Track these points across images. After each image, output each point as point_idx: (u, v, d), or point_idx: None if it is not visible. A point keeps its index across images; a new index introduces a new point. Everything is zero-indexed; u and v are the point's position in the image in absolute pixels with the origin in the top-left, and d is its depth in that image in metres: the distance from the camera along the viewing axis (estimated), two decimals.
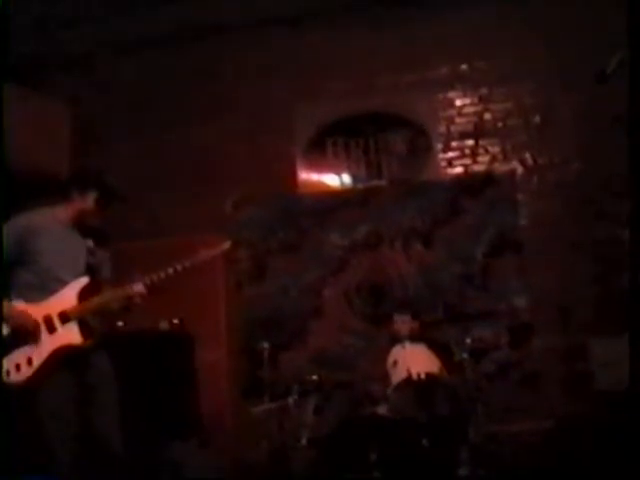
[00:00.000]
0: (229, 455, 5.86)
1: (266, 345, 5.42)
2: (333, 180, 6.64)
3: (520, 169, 6.28)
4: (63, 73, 6.90)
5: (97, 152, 6.68)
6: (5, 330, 3.77)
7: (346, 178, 6.62)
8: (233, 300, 6.54)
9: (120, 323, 5.36)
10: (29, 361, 3.72)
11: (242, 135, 6.68)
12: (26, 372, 3.71)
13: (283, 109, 6.64)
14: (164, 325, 5.97)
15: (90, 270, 3.95)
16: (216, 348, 6.37)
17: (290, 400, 5.04)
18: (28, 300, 3.82)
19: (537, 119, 6.30)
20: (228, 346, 6.49)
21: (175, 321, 5.96)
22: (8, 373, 3.71)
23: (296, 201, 6.64)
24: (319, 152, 6.65)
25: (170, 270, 3.91)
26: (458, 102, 6.49)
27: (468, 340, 4.99)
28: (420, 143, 6.50)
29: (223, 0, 6.29)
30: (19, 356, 3.73)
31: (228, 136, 6.69)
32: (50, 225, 3.92)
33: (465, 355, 4.93)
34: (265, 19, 6.48)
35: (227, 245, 4.15)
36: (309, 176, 6.66)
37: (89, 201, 3.98)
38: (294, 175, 6.66)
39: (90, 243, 4.00)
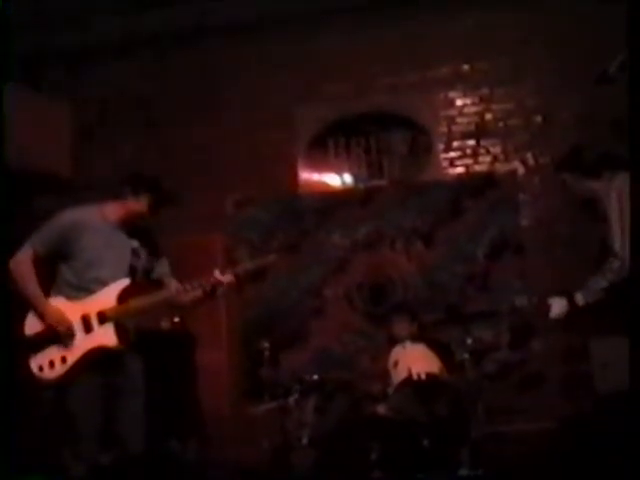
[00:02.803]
0: (229, 455, 5.86)
1: (267, 345, 5.43)
2: (334, 180, 6.63)
3: (521, 169, 6.27)
4: (64, 72, 6.89)
5: (97, 151, 6.68)
6: (39, 326, 3.79)
7: (347, 178, 6.61)
8: (234, 299, 6.53)
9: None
10: (63, 359, 3.75)
11: (243, 135, 6.67)
12: (60, 370, 3.75)
13: (284, 109, 6.63)
14: (165, 324, 5.98)
15: (133, 271, 3.96)
16: (217, 347, 6.38)
17: (291, 400, 5.05)
18: (68, 297, 3.84)
19: (538, 119, 6.30)
20: (229, 345, 6.50)
21: (176, 320, 5.97)
22: (42, 369, 3.76)
23: (297, 201, 6.63)
24: (320, 152, 6.64)
25: (216, 280, 3.95)
26: (459, 102, 6.49)
27: (469, 340, 4.99)
28: (421, 143, 6.50)
29: (224, 0, 6.30)
30: (53, 353, 3.76)
31: (229, 136, 6.69)
32: (97, 223, 3.93)
33: (466, 355, 4.93)
34: (266, 19, 6.48)
35: (273, 258, 4.18)
36: (310, 176, 6.66)
37: (142, 203, 3.99)
38: (295, 175, 6.65)
39: (135, 243, 4.01)
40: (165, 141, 6.76)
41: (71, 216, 3.93)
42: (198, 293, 3.99)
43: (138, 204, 3.99)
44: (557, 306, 4.40)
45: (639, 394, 2.78)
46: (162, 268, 4.14)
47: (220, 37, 6.63)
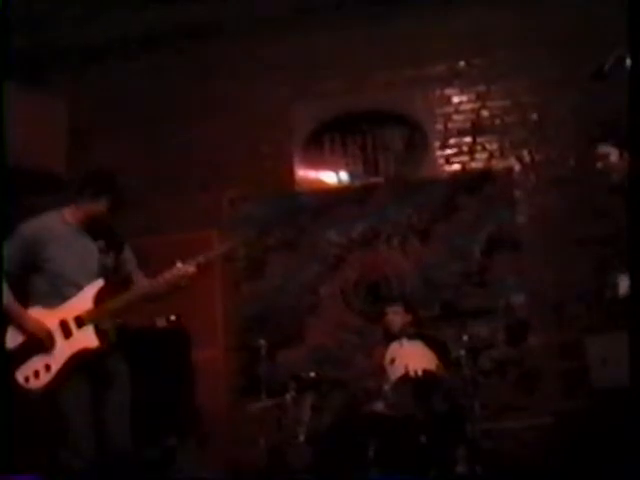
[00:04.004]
0: (226, 452, 5.86)
1: (263, 342, 5.41)
2: (330, 177, 6.64)
3: (517, 166, 6.29)
4: (63, 72, 6.88)
5: (96, 151, 6.67)
6: (21, 338, 3.78)
7: (343, 175, 6.61)
8: (230, 297, 6.54)
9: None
10: (47, 367, 3.74)
11: (240, 133, 6.67)
12: (45, 378, 3.73)
13: (280, 106, 6.63)
14: (161, 322, 5.97)
15: (105, 271, 3.95)
16: (213, 345, 6.38)
17: (287, 397, 5.04)
18: (44, 306, 3.83)
19: (534, 116, 6.31)
20: (225, 343, 6.50)
21: (172, 318, 5.96)
22: (27, 379, 3.74)
23: (293, 198, 6.63)
24: (316, 149, 6.64)
25: (184, 269, 3.94)
26: (455, 99, 6.50)
27: (465, 337, 4.98)
28: (417, 140, 6.50)
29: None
30: (37, 363, 3.75)
31: (226, 134, 6.68)
32: (59, 229, 3.92)
33: (462, 352, 4.92)
34: (263, 17, 6.47)
35: (229, 245, 4.22)
36: (306, 173, 6.66)
37: (101, 204, 3.97)
38: (291, 172, 6.65)
39: (101, 243, 4.00)
40: (163, 140, 6.75)
41: (32, 227, 3.91)
42: (163, 286, 3.98)
43: (97, 206, 3.96)
44: (626, 284, 3.84)
45: (636, 390, 2.78)
46: (129, 264, 4.14)
47: (217, 36, 6.62)
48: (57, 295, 3.84)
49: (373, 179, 6.54)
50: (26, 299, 3.87)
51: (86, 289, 3.86)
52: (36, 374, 3.74)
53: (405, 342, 5.21)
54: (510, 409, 5.68)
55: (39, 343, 3.75)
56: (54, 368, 3.74)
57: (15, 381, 3.74)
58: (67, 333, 3.79)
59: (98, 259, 3.96)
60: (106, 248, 3.99)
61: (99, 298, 3.87)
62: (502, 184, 6.28)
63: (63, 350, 3.77)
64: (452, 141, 6.46)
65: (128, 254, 4.14)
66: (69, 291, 3.85)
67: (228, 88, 6.72)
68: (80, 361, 3.78)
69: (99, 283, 3.90)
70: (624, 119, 2.91)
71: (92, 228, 3.99)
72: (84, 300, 3.85)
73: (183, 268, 3.93)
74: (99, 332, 3.83)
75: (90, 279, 3.89)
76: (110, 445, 3.85)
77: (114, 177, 4.07)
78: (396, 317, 5.47)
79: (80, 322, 3.81)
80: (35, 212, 4.02)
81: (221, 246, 4.26)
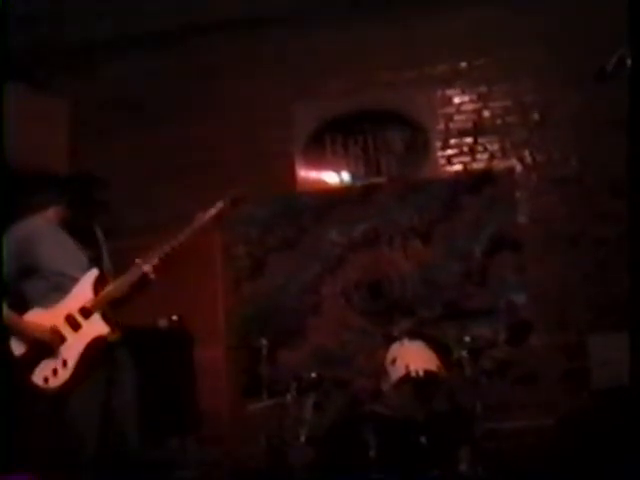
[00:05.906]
0: (227, 452, 5.86)
1: (264, 342, 5.42)
2: (332, 178, 6.63)
3: (519, 167, 6.28)
4: (63, 71, 6.88)
5: (97, 150, 6.67)
6: (25, 345, 3.77)
7: (345, 176, 6.61)
8: (231, 297, 6.55)
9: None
10: (64, 363, 3.73)
11: (241, 132, 6.67)
12: (64, 375, 3.72)
13: (282, 107, 6.62)
14: (163, 322, 5.97)
15: (94, 262, 3.96)
16: (214, 345, 6.38)
17: (289, 397, 5.04)
18: (45, 307, 3.82)
19: (536, 117, 6.31)
20: (226, 343, 6.50)
21: (174, 318, 5.97)
22: (46, 380, 3.71)
23: (295, 199, 6.63)
24: (318, 150, 6.64)
25: (176, 241, 4.00)
26: (457, 99, 6.49)
27: (466, 338, 4.99)
28: (419, 140, 6.50)
29: None
30: (52, 362, 3.74)
31: (227, 133, 6.68)
32: (44, 229, 3.94)
33: (464, 352, 4.93)
34: (264, 16, 6.47)
35: (221, 204, 4.18)
36: (308, 174, 6.66)
37: (79, 213, 4.00)
38: (293, 173, 6.65)
39: (83, 240, 4.01)
40: (163, 139, 6.74)
41: (21, 229, 3.93)
42: (126, 286, 3.95)
43: (74, 213, 4.01)
44: None
45: (638, 390, 2.78)
46: (106, 261, 4.15)
47: (218, 35, 6.62)
48: (56, 292, 3.84)
49: (374, 180, 6.54)
50: (23, 304, 3.86)
51: (83, 280, 3.87)
52: (54, 372, 3.73)
53: (406, 342, 5.20)
54: (511, 409, 5.68)
55: (47, 344, 3.74)
56: (71, 363, 3.73)
57: (33, 384, 3.72)
58: (75, 326, 3.78)
59: (85, 252, 3.98)
60: (87, 245, 4.01)
61: (98, 286, 3.87)
62: (503, 185, 6.27)
63: (76, 343, 3.76)
64: (453, 141, 6.45)
65: (105, 256, 4.15)
66: (67, 286, 3.85)
67: (229, 88, 6.72)
68: (95, 351, 3.77)
69: (94, 272, 3.91)
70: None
71: (72, 228, 4.00)
72: (84, 291, 3.85)
73: (143, 265, 3.90)
74: (107, 319, 3.83)
75: (84, 270, 3.90)
76: (116, 444, 3.86)
77: (92, 186, 4.07)
78: (400, 323, 5.46)
79: (86, 313, 3.80)
80: (36, 212, 4.03)
81: (175, 240, 4.17)
